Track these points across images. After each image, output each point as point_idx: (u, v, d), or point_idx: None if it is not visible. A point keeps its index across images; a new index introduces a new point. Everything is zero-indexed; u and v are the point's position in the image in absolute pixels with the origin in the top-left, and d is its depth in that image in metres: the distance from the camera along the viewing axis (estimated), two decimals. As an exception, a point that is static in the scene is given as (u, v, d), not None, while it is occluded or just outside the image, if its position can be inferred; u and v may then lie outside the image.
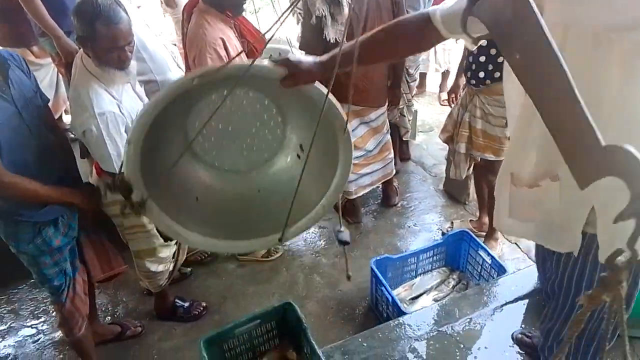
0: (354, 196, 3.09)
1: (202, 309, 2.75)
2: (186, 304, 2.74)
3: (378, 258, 2.62)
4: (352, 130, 2.76)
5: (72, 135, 2.89)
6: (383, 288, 2.49)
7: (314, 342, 1.90)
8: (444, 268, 2.78)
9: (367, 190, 3.13)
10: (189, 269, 2.99)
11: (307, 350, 1.99)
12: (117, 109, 1.91)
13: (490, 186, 2.82)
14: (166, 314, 2.72)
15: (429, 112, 4.76)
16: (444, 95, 4.36)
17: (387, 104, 2.96)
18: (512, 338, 2.16)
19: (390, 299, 2.45)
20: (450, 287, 2.67)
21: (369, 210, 3.44)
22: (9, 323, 2.78)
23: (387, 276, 2.61)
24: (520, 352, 2.11)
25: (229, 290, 2.90)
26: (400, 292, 2.65)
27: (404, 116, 3.49)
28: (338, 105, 1.27)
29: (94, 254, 2.20)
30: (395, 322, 2.25)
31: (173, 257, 2.50)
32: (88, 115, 1.85)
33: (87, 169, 2.48)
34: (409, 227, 3.27)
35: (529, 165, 1.22)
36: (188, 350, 2.54)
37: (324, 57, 1.24)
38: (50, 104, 1.99)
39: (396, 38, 1.27)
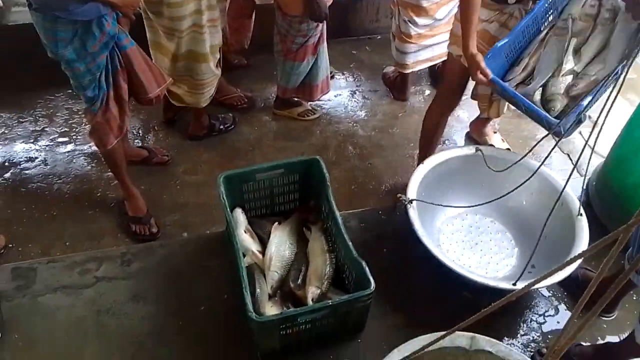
0: (409, 70, 2.83)
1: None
2: (219, 120, 2.85)
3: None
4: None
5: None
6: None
7: (333, 202, 1.83)
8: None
9: (423, 67, 2.86)
10: None
11: (325, 210, 1.94)
12: None
13: None
14: (203, 133, 2.79)
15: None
16: None
17: None
18: (578, 275, 1.85)
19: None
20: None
21: (420, 90, 3.20)
22: (42, 126, 2.82)
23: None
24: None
25: (258, 141, 2.84)
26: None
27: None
28: None
29: (146, 66, 2.10)
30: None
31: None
32: None
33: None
34: (458, 116, 3.03)
35: None
36: (209, 187, 2.54)
37: None
38: None
39: None
